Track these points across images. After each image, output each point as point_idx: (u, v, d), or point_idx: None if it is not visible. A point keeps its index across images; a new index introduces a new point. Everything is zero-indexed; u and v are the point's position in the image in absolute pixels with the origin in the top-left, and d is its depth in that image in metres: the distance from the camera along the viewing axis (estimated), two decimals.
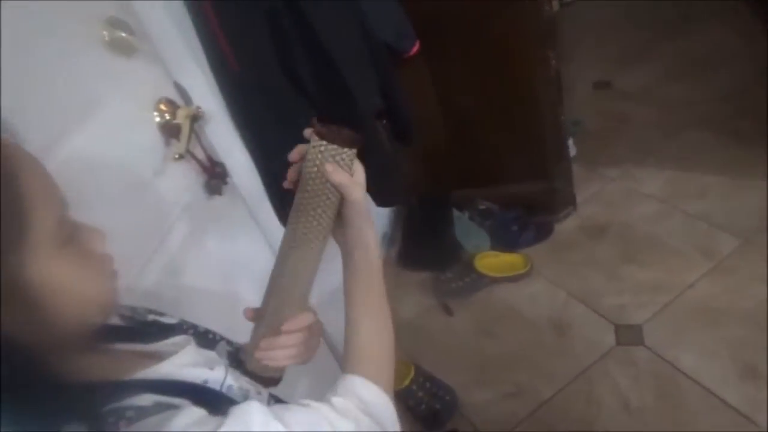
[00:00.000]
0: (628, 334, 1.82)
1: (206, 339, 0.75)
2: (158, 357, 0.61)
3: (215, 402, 0.57)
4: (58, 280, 0.48)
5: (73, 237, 0.51)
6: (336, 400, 0.61)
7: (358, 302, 0.71)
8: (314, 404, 0.60)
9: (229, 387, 0.63)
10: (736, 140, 2.34)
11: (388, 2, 1.67)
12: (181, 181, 1.18)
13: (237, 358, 0.76)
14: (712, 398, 1.58)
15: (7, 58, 0.75)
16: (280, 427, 0.53)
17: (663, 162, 2.37)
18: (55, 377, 0.46)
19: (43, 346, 0.46)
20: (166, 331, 0.68)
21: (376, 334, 0.70)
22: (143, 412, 0.50)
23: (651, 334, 1.79)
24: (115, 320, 0.65)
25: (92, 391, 0.49)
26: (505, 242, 2.21)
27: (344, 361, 0.68)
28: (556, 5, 3.40)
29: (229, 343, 0.78)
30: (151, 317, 0.71)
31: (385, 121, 1.75)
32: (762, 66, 2.61)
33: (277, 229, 1.34)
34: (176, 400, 0.54)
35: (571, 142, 2.39)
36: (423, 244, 2.26)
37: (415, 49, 1.79)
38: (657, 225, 2.14)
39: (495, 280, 2.10)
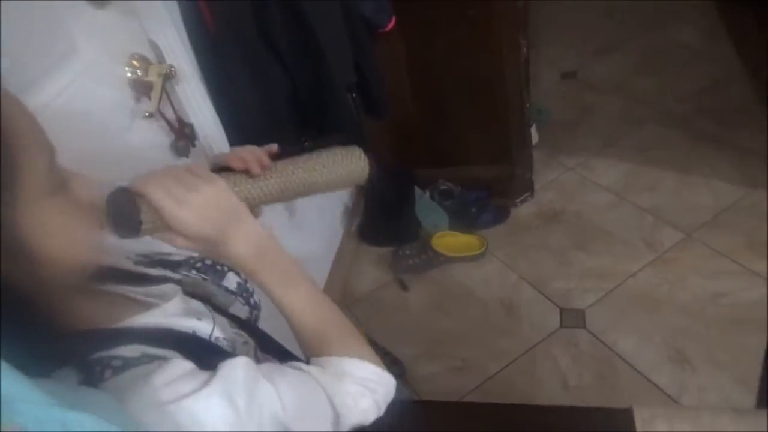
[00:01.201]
0: (572, 318, 1.91)
1: (214, 271, 0.76)
2: (148, 305, 0.61)
3: (204, 353, 0.57)
4: (48, 228, 0.47)
5: (63, 185, 0.50)
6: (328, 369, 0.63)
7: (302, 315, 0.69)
8: (306, 367, 0.61)
9: (216, 338, 0.64)
10: (693, 138, 2.44)
11: None
12: (149, 139, 1.17)
13: (246, 288, 0.77)
14: (643, 380, 1.69)
15: None
16: (269, 387, 0.55)
17: (621, 154, 2.46)
18: (45, 322, 0.47)
19: (32, 292, 0.46)
20: (171, 267, 0.69)
21: (330, 311, 0.70)
22: (129, 363, 0.51)
23: (593, 319, 1.89)
24: (119, 263, 0.66)
25: (81, 338, 0.50)
26: (463, 223, 2.27)
27: (312, 346, 0.67)
28: None
29: (238, 273, 0.78)
30: (158, 257, 0.72)
31: (354, 95, 1.76)
32: (724, 68, 2.73)
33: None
34: (165, 352, 0.54)
35: (533, 129, 2.45)
36: (383, 220, 2.30)
37: (391, 24, 1.80)
38: (607, 215, 2.23)
39: (451, 259, 2.16)
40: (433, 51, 2.01)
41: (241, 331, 0.71)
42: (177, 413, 0.48)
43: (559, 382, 1.75)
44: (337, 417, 0.61)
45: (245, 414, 0.52)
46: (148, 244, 0.66)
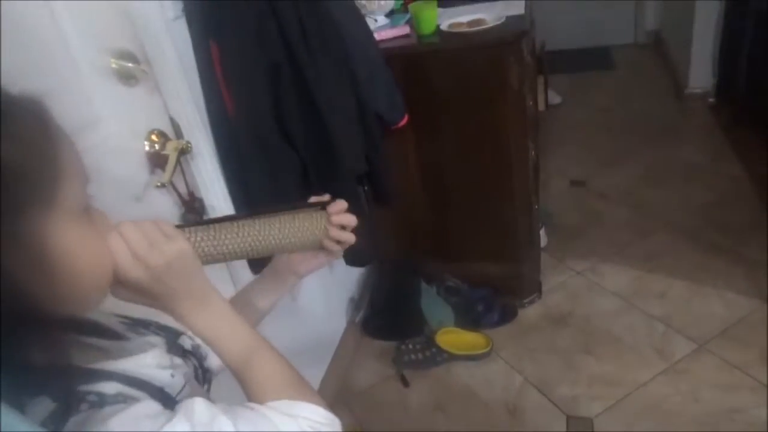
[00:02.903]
0: (579, 426, 1.82)
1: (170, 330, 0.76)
2: (125, 354, 0.62)
3: (170, 404, 0.58)
4: (76, 245, 0.51)
5: (87, 210, 0.55)
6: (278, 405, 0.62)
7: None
8: (259, 407, 0.61)
9: (184, 396, 0.64)
10: (701, 249, 2.44)
11: (383, 76, 1.78)
12: (159, 209, 1.21)
13: (200, 353, 0.77)
14: None
15: (28, 68, 0.81)
16: (226, 422, 0.55)
17: (629, 261, 2.45)
18: (39, 350, 0.47)
19: (40, 311, 0.48)
20: (139, 328, 0.70)
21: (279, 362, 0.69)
22: (105, 399, 0.52)
23: (601, 428, 1.80)
24: (92, 316, 0.66)
25: (64, 371, 0.51)
26: (469, 320, 2.24)
27: (257, 394, 0.66)
28: (542, 105, 3.61)
29: (191, 337, 0.78)
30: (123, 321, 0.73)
31: (366, 188, 1.82)
32: (731, 184, 2.78)
33: (242, 269, 1.37)
34: (139, 394, 0.56)
35: (542, 231, 2.48)
36: (388, 313, 2.28)
37: (404, 121, 1.89)
38: (616, 321, 2.18)
39: (455, 357, 2.11)
40: (443, 149, 2.09)
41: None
42: None
43: None
44: None
45: None
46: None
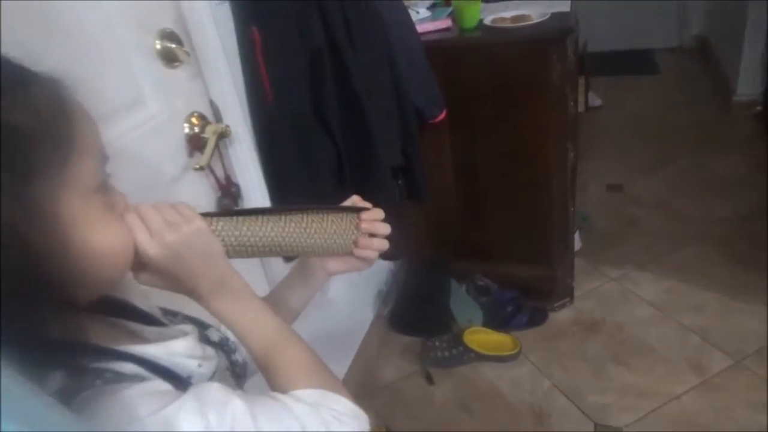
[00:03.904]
0: None
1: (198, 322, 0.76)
2: (158, 339, 0.62)
3: None
4: (86, 221, 0.50)
5: (102, 188, 0.54)
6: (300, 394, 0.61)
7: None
8: (280, 396, 0.60)
9: None
10: (737, 262, 2.36)
11: (423, 68, 1.75)
12: (196, 192, 1.21)
13: (228, 345, 0.77)
14: None
15: (77, 48, 0.82)
16: (241, 405, 0.55)
17: (664, 270, 2.39)
18: (56, 325, 0.47)
19: (58, 286, 0.48)
20: (169, 316, 0.70)
21: (304, 349, 0.68)
22: (120, 377, 0.52)
23: None
24: (127, 299, 0.67)
25: (79, 347, 0.51)
26: (497, 321, 2.20)
27: (280, 380, 0.65)
28: (582, 107, 3.54)
29: (219, 330, 0.78)
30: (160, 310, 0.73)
31: (400, 182, 1.80)
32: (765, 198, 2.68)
33: (276, 262, 1.36)
34: (153, 377, 0.55)
35: (577, 235, 2.42)
36: (416, 309, 2.26)
37: (442, 116, 1.86)
38: (650, 331, 2.12)
39: (481, 357, 2.08)
40: (480, 147, 2.06)
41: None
42: (149, 426, 0.49)
43: None
44: None
45: (216, 428, 0.52)
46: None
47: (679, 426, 1.77)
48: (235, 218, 0.66)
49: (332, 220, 0.74)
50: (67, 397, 0.49)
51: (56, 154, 0.48)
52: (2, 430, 0.36)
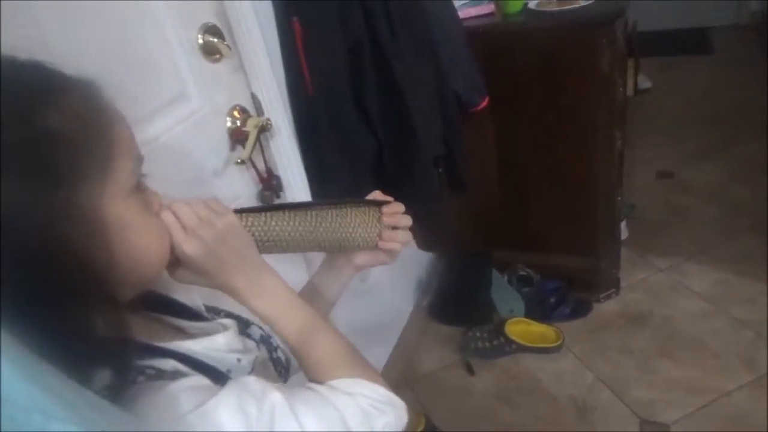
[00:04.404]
0: (654, 431, 1.73)
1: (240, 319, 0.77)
2: (202, 334, 0.64)
3: None
4: (126, 221, 0.52)
5: (139, 188, 0.56)
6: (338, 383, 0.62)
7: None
8: (317, 386, 0.61)
9: None
10: None
11: (464, 55, 1.72)
12: (237, 185, 1.23)
13: (270, 343, 0.78)
14: None
15: (118, 44, 0.83)
16: (279, 397, 0.55)
17: (715, 262, 2.30)
18: (101, 324, 0.48)
19: (104, 287, 0.49)
20: (211, 313, 0.71)
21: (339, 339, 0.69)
22: (162, 374, 0.53)
23: None
24: (171, 295, 0.68)
25: (123, 345, 0.52)
26: (540, 312, 2.17)
27: (319, 371, 0.66)
28: (630, 90, 3.42)
29: (261, 327, 0.79)
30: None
31: (441, 170, 1.78)
32: None
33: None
34: (193, 373, 0.56)
35: (623, 224, 2.35)
36: (456, 299, 2.24)
37: (484, 104, 1.83)
38: (700, 324, 2.05)
39: (523, 348, 2.06)
40: (523, 135, 2.02)
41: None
42: (191, 421, 0.50)
43: None
44: None
45: (256, 421, 0.53)
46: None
47: (730, 424, 1.71)
48: (263, 214, 0.69)
49: (356, 214, 0.76)
50: (114, 395, 0.50)
51: (98, 157, 0.50)
52: (52, 430, 0.37)
